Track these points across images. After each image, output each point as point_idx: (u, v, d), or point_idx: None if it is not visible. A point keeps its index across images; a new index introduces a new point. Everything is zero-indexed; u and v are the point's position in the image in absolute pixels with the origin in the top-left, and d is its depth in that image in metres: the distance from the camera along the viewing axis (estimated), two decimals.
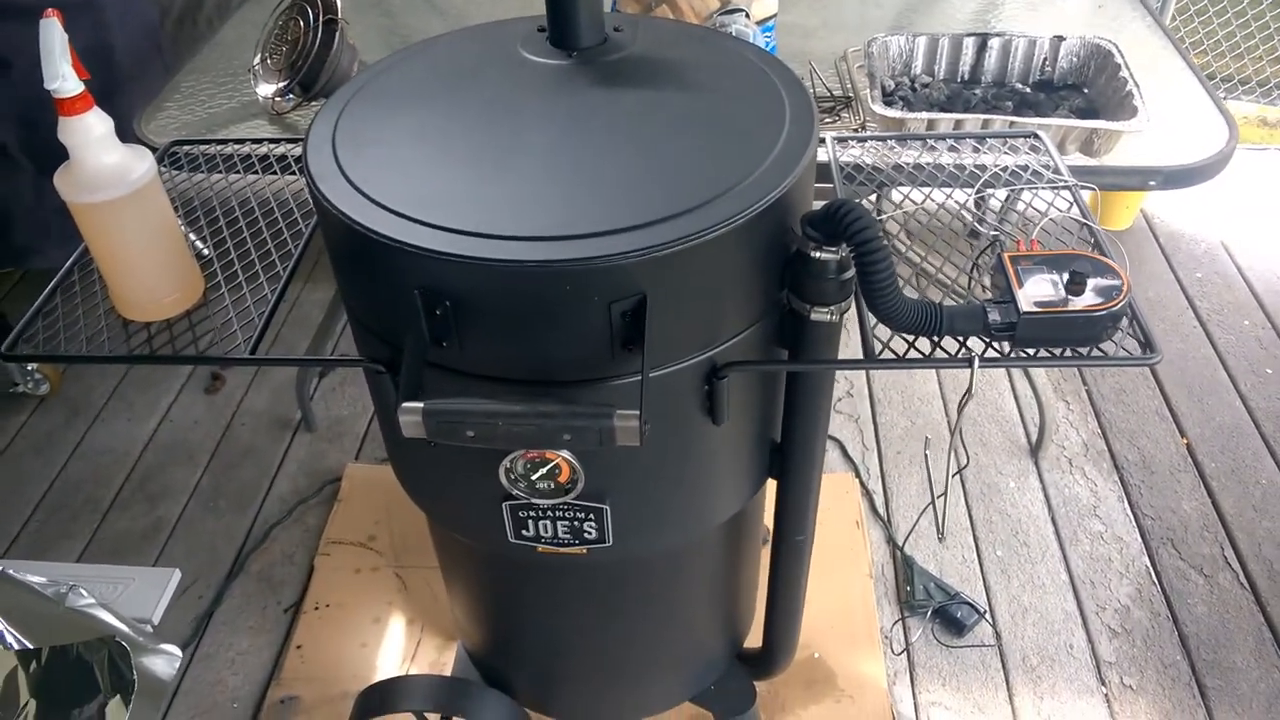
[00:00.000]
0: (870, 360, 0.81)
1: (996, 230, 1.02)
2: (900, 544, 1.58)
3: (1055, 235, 0.96)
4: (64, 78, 0.77)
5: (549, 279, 0.69)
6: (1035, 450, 1.78)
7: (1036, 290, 0.82)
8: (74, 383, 2.03)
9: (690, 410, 0.81)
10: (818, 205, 0.80)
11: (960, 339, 0.83)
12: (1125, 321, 0.84)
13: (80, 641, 0.97)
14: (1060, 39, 1.37)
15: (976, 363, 0.80)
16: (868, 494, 1.69)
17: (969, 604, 1.47)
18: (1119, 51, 1.35)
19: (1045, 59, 1.37)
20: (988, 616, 1.48)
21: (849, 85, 1.37)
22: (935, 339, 0.82)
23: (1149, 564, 1.59)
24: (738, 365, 0.80)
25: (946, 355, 0.82)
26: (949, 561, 1.57)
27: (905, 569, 1.53)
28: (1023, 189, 1.03)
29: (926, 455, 1.71)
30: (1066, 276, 0.82)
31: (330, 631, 1.49)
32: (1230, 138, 1.30)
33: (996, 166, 1.06)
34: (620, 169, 0.78)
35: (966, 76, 1.38)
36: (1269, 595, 1.54)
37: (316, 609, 1.53)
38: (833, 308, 0.80)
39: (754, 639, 1.22)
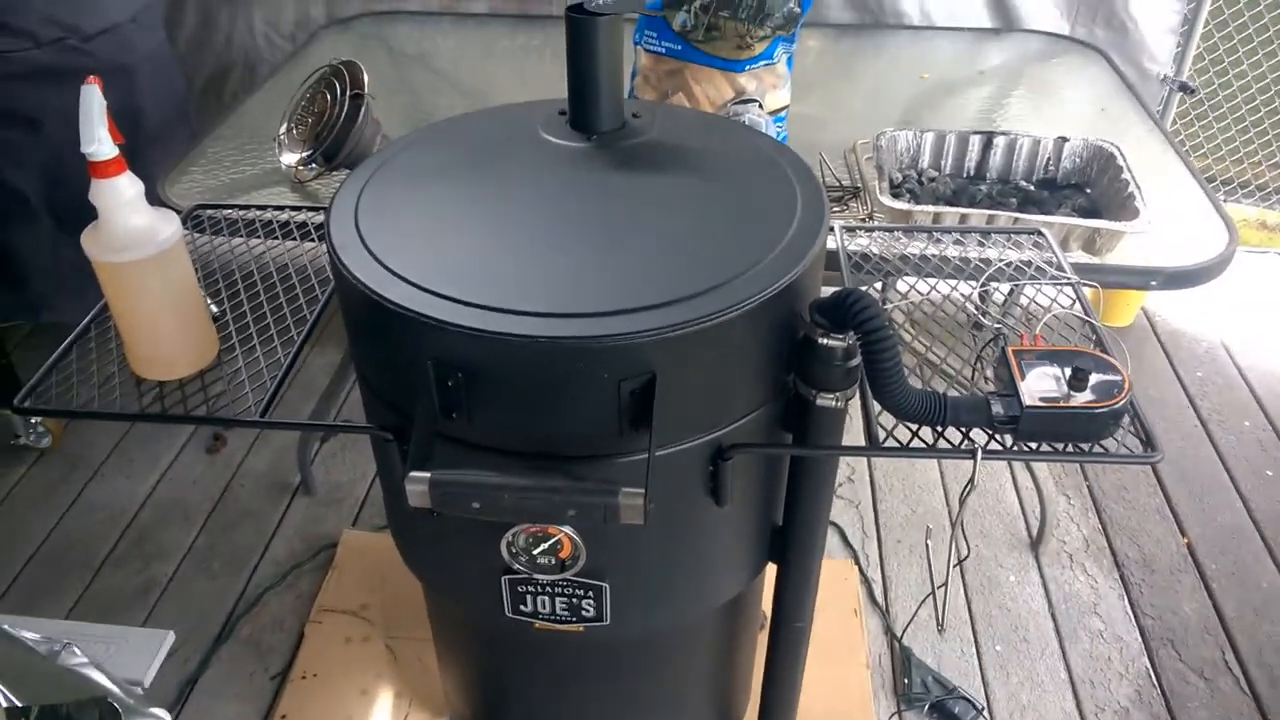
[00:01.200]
0: (874, 448, 0.81)
1: (1000, 324, 1.03)
2: (899, 635, 1.57)
3: (1058, 331, 0.97)
4: (100, 141, 0.80)
5: (560, 355, 0.70)
6: (1036, 544, 1.77)
7: (1039, 385, 0.83)
8: (75, 437, 2.03)
9: (694, 491, 0.82)
10: (826, 292, 0.82)
11: (963, 430, 0.84)
12: (1126, 419, 0.85)
13: (71, 701, 0.95)
14: (1064, 139, 1.40)
15: (979, 454, 0.81)
16: (866, 582, 1.68)
17: (967, 699, 1.45)
18: (1121, 154, 1.38)
19: (1049, 158, 1.41)
20: (985, 713, 1.46)
21: (857, 176, 1.41)
22: (939, 429, 0.83)
23: (1149, 665, 1.57)
24: (743, 448, 0.80)
25: (950, 446, 0.83)
26: (947, 655, 1.55)
27: (903, 660, 1.51)
28: (1026, 284, 1.05)
29: (928, 545, 1.71)
30: (1069, 372, 0.83)
31: (316, 702, 1.47)
32: (1230, 241, 1.33)
33: (1001, 261, 1.08)
34: (635, 250, 0.79)
35: (972, 172, 1.41)
36: (1270, 702, 1.52)
37: (304, 678, 1.51)
38: (838, 394, 0.82)
39: None
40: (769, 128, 1.36)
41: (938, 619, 1.54)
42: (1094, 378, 0.84)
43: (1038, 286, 1.05)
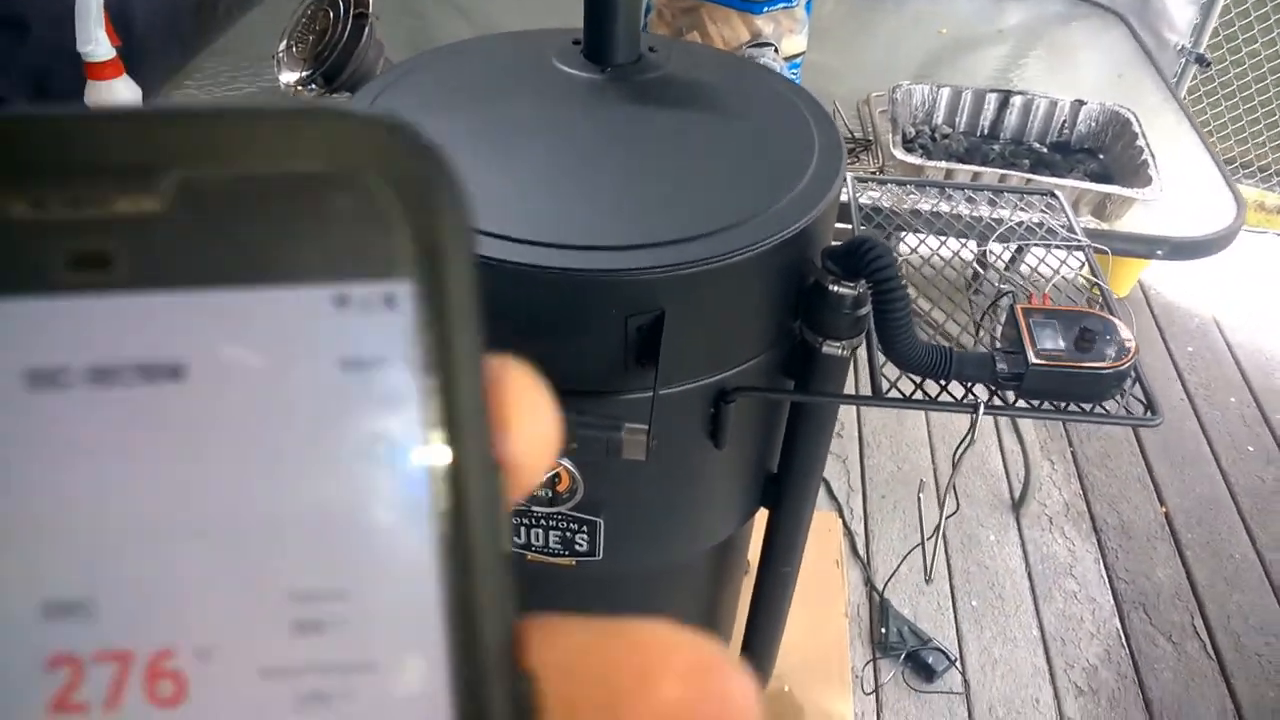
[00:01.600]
0: (878, 398, 0.81)
1: (1009, 283, 1.03)
2: (879, 587, 1.59)
3: (1065, 293, 0.97)
4: (97, 42, 0.78)
5: (571, 287, 0.69)
6: (1017, 506, 1.79)
7: (1046, 344, 0.83)
8: None
9: (694, 432, 0.82)
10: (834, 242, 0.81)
11: (966, 385, 0.84)
12: (1129, 382, 0.85)
13: None
14: (1081, 103, 1.39)
15: (981, 409, 0.81)
16: (849, 534, 1.69)
17: (941, 650, 1.48)
18: (1137, 120, 1.37)
19: (1064, 121, 1.40)
20: (958, 665, 1.49)
21: (870, 129, 1.39)
22: (943, 382, 0.83)
23: (1120, 626, 1.60)
24: (746, 391, 0.80)
25: (952, 400, 0.83)
26: (924, 608, 1.57)
27: (881, 611, 1.53)
28: (1037, 245, 1.05)
29: (920, 498, 1.72)
30: (1076, 332, 0.83)
31: None
32: (1238, 215, 1.32)
33: (1012, 221, 1.08)
34: (648, 186, 0.78)
35: (986, 131, 1.40)
36: (1234, 668, 1.55)
37: None
38: (845, 342, 0.81)
39: None
40: (784, 74, 1.33)
41: (926, 571, 1.56)
42: (1100, 339, 0.84)
43: (1048, 247, 1.05)
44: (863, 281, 0.78)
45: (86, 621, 0.14)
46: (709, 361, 0.78)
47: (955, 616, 1.56)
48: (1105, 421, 0.83)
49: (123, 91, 0.81)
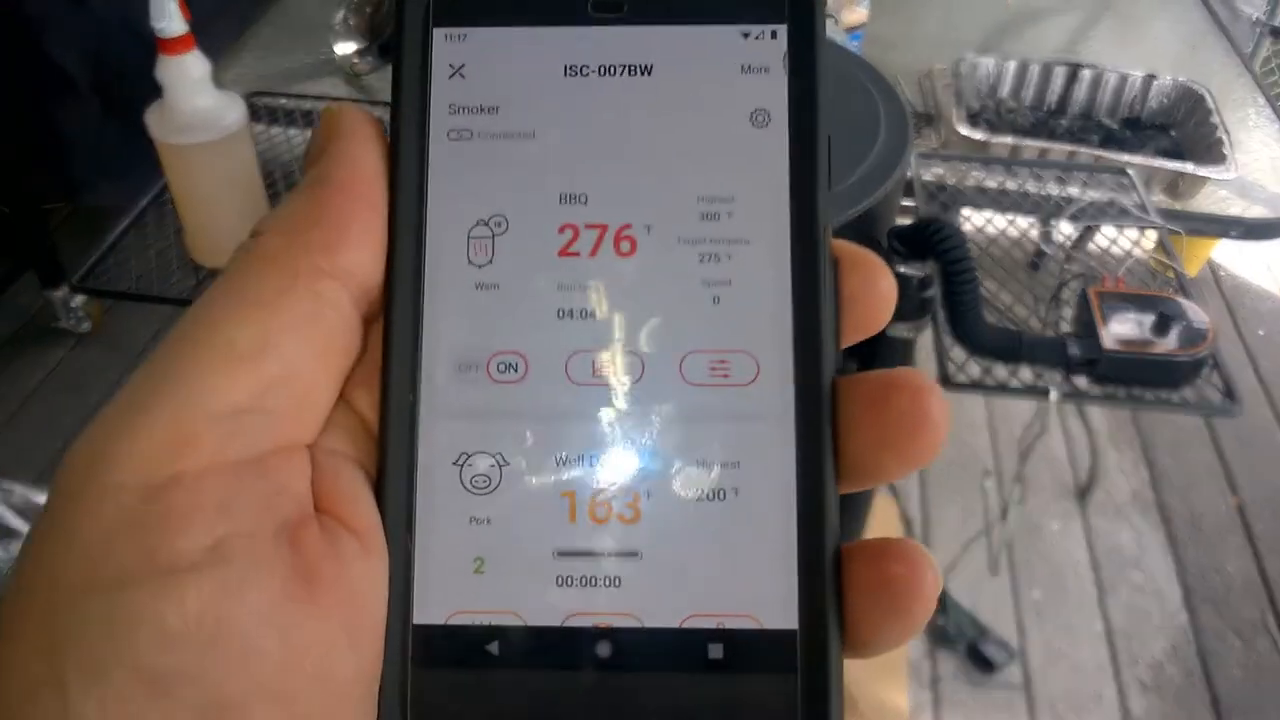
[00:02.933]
0: (946, 383, 0.79)
1: (1077, 263, 0.99)
2: (946, 582, 1.56)
3: (1138, 276, 0.93)
4: (170, 16, 0.77)
5: None
6: (1083, 494, 1.74)
7: (1120, 328, 0.79)
8: (115, 322, 2.03)
9: None
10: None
11: (1036, 370, 0.81)
12: (1206, 369, 0.81)
13: None
14: (1152, 78, 1.34)
15: (1054, 394, 0.78)
16: (906, 521, 1.66)
17: (1001, 643, 1.44)
18: (1210, 96, 1.31)
19: (1135, 96, 1.34)
20: (1019, 658, 1.45)
21: (932, 103, 1.35)
22: (1011, 367, 0.81)
23: (1188, 621, 1.55)
24: None
25: (1021, 385, 0.80)
26: (984, 598, 1.54)
27: (939, 601, 1.50)
28: (1109, 224, 1.01)
29: (986, 487, 1.68)
30: (1153, 317, 0.80)
31: None
32: None
33: (1082, 199, 1.04)
34: None
35: (1054, 106, 1.35)
36: None
37: None
38: (911, 324, 0.79)
39: None
40: (846, 46, 1.30)
41: (990, 563, 1.52)
42: (1178, 324, 0.80)
43: (1120, 227, 1.01)
44: (929, 262, 0.76)
45: (582, 206, 0.23)
46: None
47: (1017, 608, 1.53)
48: (1181, 411, 0.80)
49: (195, 68, 0.80)
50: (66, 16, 1.74)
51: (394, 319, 0.22)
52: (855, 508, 0.95)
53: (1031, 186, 1.09)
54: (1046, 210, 1.03)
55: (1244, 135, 1.30)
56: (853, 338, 0.23)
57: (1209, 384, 0.81)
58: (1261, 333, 2.17)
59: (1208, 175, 1.16)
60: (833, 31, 1.29)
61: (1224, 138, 1.22)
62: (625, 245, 0.23)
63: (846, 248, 0.23)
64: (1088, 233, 1.11)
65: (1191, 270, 2.30)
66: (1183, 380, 0.80)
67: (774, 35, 0.23)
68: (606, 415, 0.22)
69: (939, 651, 1.45)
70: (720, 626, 0.21)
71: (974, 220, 1.03)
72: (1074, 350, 0.78)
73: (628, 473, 0.22)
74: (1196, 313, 0.82)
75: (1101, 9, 1.80)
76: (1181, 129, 1.32)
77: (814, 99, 0.23)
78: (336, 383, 0.22)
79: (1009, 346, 0.78)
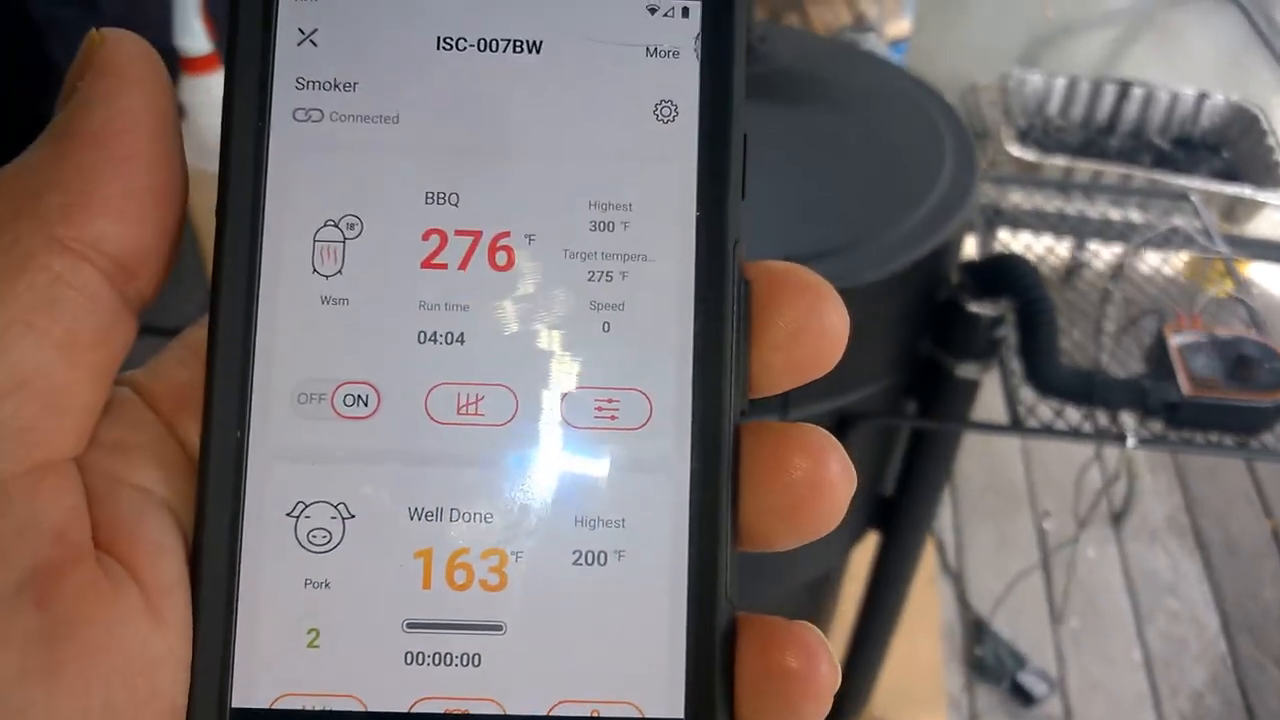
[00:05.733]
0: (1017, 427, 0.75)
1: (1129, 290, 0.95)
2: (975, 605, 1.52)
3: (1209, 311, 0.90)
4: (195, 34, 0.74)
5: None
6: (1118, 519, 1.70)
7: (1200, 370, 0.76)
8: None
9: None
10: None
11: (1110, 412, 0.77)
12: None
13: None
14: (1204, 96, 1.30)
15: (1131, 441, 0.74)
16: (939, 547, 1.62)
17: (1040, 673, 1.41)
18: (1265, 116, 1.28)
19: (1187, 116, 1.31)
20: (1058, 689, 1.42)
21: (977, 119, 1.31)
22: (1085, 409, 0.77)
23: (1226, 650, 1.51)
24: (875, 418, 0.74)
25: (1095, 431, 0.76)
26: (1021, 626, 1.50)
27: (976, 630, 1.46)
28: (1173, 251, 0.97)
29: (1045, 529, 1.63)
30: (1233, 359, 0.76)
31: None
32: None
33: (1157, 226, 1.00)
34: (768, 196, 0.72)
35: (1103, 125, 1.32)
36: None
37: None
38: (979, 365, 0.75)
39: None
40: (889, 58, 1.26)
41: (1050, 609, 1.48)
42: (1258, 366, 0.76)
43: (1185, 255, 0.97)
44: (1003, 300, 0.72)
45: (452, 209, 0.19)
46: (831, 386, 0.72)
47: (1055, 635, 1.49)
48: (1264, 458, 0.76)
49: (218, 88, 0.76)
50: (75, 18, 1.71)
51: (218, 337, 0.19)
52: (902, 556, 0.92)
53: (1084, 207, 1.05)
54: (1113, 235, 1.00)
55: None
56: (793, 380, 0.20)
57: None
58: None
59: (1268, 200, 1.13)
60: (876, 44, 1.25)
61: None
62: (501, 257, 0.19)
63: (786, 270, 0.19)
64: (1135, 257, 1.07)
65: (1217, 289, 2.27)
66: (1265, 424, 0.76)
67: (685, 13, 0.20)
68: (471, 461, 0.19)
69: (977, 684, 1.41)
70: (595, 715, 0.18)
71: (1037, 248, 0.99)
72: (1153, 394, 0.74)
73: (494, 530, 0.19)
74: (1275, 353, 0.78)
75: (1143, 21, 1.77)
76: (1235, 149, 1.28)
77: (729, 91, 0.20)
78: (95, 381, 0.17)
79: (1083, 388, 0.74)
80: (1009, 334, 0.74)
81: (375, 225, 0.19)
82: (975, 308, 0.72)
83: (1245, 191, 1.14)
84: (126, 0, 0.74)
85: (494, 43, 0.20)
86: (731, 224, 0.20)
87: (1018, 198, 1.05)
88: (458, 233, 0.19)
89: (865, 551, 0.96)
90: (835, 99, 0.84)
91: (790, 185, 0.73)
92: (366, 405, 0.19)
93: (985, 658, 1.41)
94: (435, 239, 0.19)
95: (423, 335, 0.19)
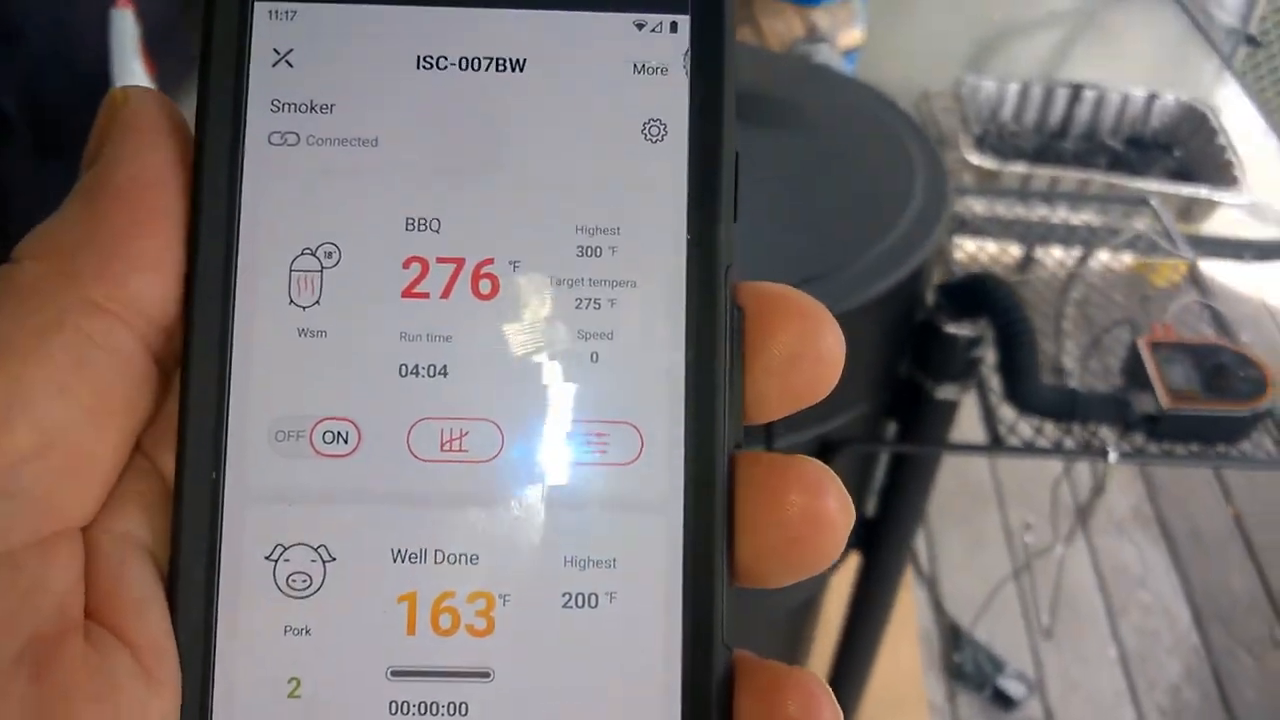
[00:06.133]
0: (999, 447, 0.74)
1: (1106, 297, 0.96)
2: (949, 610, 1.52)
3: (1175, 314, 0.90)
4: (135, 75, 0.71)
5: None
6: (1084, 513, 1.71)
7: (1178, 382, 0.75)
8: None
9: None
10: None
11: (1090, 428, 0.77)
12: (1266, 420, 0.78)
13: None
14: (1154, 97, 1.31)
15: (1113, 456, 0.74)
16: (913, 554, 1.62)
17: (1018, 676, 1.41)
18: (1214, 114, 1.29)
19: (1138, 116, 1.32)
20: (1037, 690, 1.42)
21: (934, 128, 1.31)
22: (1065, 425, 0.76)
23: (1199, 641, 1.53)
24: (859, 444, 0.73)
25: (1077, 447, 0.76)
26: (996, 628, 1.50)
27: (952, 636, 1.46)
28: (1137, 255, 0.98)
29: (1027, 544, 1.63)
30: (1209, 369, 0.76)
31: None
32: None
33: (1105, 230, 1.00)
34: (743, 224, 0.71)
35: (1056, 128, 1.32)
36: None
37: None
38: (958, 386, 0.74)
39: None
40: (841, 68, 1.26)
41: (1036, 624, 1.48)
42: (1234, 374, 0.77)
43: (1146, 257, 0.98)
44: (981, 319, 0.71)
45: (434, 235, 0.18)
46: (814, 413, 0.71)
47: (1029, 637, 1.49)
48: (1243, 466, 0.76)
49: None
50: (2, 54, 1.65)
51: (192, 372, 0.18)
52: (886, 576, 0.91)
53: (1045, 212, 1.05)
54: (1071, 241, 1.00)
55: (1241, 147, 1.28)
56: (787, 408, 0.19)
57: (1266, 434, 0.78)
58: (1245, 339, 2.17)
59: (1225, 200, 1.14)
60: (829, 55, 1.25)
61: (1233, 159, 1.20)
62: (485, 285, 0.18)
63: (780, 294, 0.19)
64: (1084, 261, 1.07)
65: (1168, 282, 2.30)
66: (1243, 433, 0.76)
67: (674, 28, 0.19)
68: (456, 499, 0.18)
69: (956, 688, 1.41)
70: None
71: (966, 249, 0.99)
72: (1133, 408, 0.74)
73: (480, 572, 0.18)
74: (1251, 361, 0.78)
75: (1085, 21, 1.78)
76: (1186, 148, 1.30)
77: (720, 108, 0.19)
78: (119, 447, 0.17)
79: (1064, 406, 0.74)
80: (986, 353, 0.74)
81: (354, 253, 0.18)
82: (953, 329, 0.71)
83: (1201, 192, 1.15)
84: (56, 33, 0.70)
85: (476, 61, 0.19)
86: (723, 248, 0.19)
87: (978, 206, 1.04)
88: (440, 260, 0.18)
89: (845, 569, 0.96)
90: (799, 119, 0.83)
91: (760, 212, 0.72)
92: (347, 442, 0.18)
93: (964, 664, 1.41)
94: (416, 267, 0.18)
95: (404, 368, 0.18)
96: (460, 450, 0.18)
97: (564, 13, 0.19)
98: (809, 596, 0.91)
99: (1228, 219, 1.19)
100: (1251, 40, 2.10)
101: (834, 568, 0.80)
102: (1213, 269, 2.28)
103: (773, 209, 0.72)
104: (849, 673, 1.02)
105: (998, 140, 1.29)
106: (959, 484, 1.75)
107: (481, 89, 0.19)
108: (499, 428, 0.18)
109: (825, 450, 0.72)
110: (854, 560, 0.93)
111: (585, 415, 0.18)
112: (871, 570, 0.91)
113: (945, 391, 0.74)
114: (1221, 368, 0.76)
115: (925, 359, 0.73)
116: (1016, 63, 1.59)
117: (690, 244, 0.19)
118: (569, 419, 0.18)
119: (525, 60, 0.19)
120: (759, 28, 1.29)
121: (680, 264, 0.19)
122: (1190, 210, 1.18)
